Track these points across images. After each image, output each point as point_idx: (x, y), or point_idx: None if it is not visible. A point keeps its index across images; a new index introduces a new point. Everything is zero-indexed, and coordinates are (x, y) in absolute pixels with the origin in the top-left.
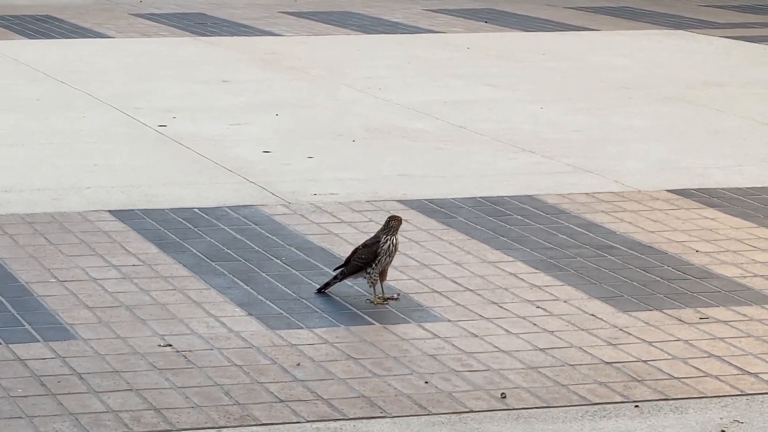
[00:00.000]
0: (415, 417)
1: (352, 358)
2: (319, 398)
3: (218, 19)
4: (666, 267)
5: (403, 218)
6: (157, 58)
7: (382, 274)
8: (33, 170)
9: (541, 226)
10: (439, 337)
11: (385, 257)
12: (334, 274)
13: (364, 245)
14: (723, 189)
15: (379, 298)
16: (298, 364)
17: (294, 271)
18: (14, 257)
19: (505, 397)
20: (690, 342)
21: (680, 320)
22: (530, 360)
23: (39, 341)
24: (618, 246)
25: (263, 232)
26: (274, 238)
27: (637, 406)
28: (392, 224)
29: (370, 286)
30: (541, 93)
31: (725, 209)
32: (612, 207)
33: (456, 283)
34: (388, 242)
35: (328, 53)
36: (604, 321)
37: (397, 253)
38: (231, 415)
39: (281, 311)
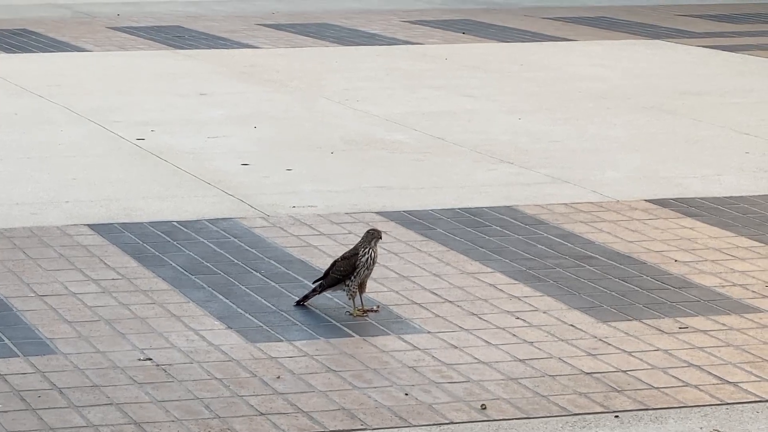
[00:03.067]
0: (396, 429)
1: (332, 370)
2: (300, 411)
3: (196, 32)
4: (645, 277)
5: (382, 230)
6: (135, 71)
7: (362, 286)
8: (11, 184)
9: (520, 237)
10: (419, 349)
11: (363, 270)
12: (313, 286)
13: (343, 258)
14: (701, 198)
15: (358, 310)
16: (278, 377)
17: (273, 284)
18: None
19: (485, 408)
20: (670, 352)
21: (660, 330)
22: (510, 371)
23: (18, 356)
24: (597, 256)
25: (242, 245)
26: (253, 250)
27: (617, 416)
28: (370, 236)
29: (350, 299)
30: (520, 104)
31: (704, 219)
32: (591, 217)
33: (435, 294)
34: (367, 255)
35: (306, 65)
36: (584, 331)
37: (377, 264)
38: (211, 429)
39: (261, 324)
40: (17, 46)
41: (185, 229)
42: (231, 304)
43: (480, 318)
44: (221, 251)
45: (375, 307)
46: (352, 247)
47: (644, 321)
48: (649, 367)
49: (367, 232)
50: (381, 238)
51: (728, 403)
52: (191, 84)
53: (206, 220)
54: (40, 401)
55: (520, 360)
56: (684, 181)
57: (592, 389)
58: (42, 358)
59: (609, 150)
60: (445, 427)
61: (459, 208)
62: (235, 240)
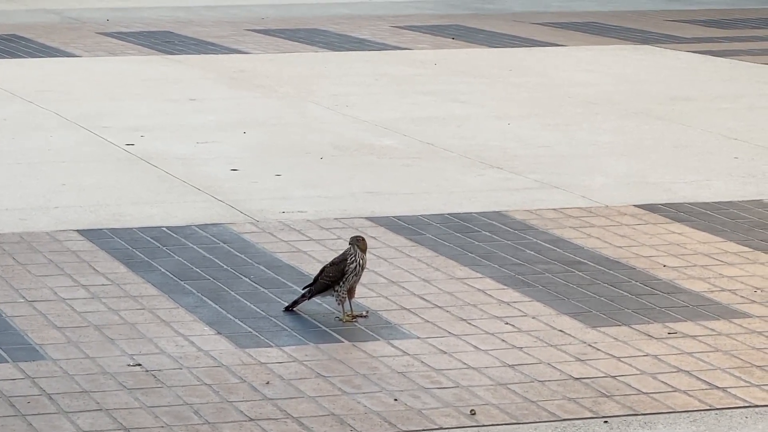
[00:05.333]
0: None
1: (321, 375)
2: (289, 416)
3: (185, 38)
4: (634, 282)
5: (371, 236)
6: (124, 76)
7: (351, 292)
8: (0, 190)
9: (509, 242)
10: (408, 354)
11: (352, 275)
12: (303, 292)
13: (332, 263)
14: (690, 204)
15: (347, 315)
16: (268, 383)
17: (263, 290)
18: None
19: (474, 413)
20: (658, 357)
21: (648, 335)
22: (499, 376)
23: (8, 362)
24: (586, 261)
25: (232, 250)
26: (242, 256)
27: (606, 421)
28: (352, 244)
29: (339, 304)
30: (509, 109)
31: (693, 224)
32: (580, 222)
33: (424, 299)
34: (356, 260)
35: (295, 71)
36: (573, 337)
37: (366, 270)
38: None
39: (250, 329)
40: (7, 52)
41: (174, 235)
42: (220, 309)
43: (469, 323)
44: (211, 257)
45: (364, 313)
46: (341, 252)
47: (633, 326)
48: (638, 372)
49: (351, 239)
50: (363, 249)
51: (717, 409)
52: (181, 89)
53: (195, 226)
54: (30, 407)
55: (510, 365)
56: (673, 187)
57: (581, 395)
58: (31, 363)
59: (598, 155)
60: None
61: (448, 214)
62: (225, 245)
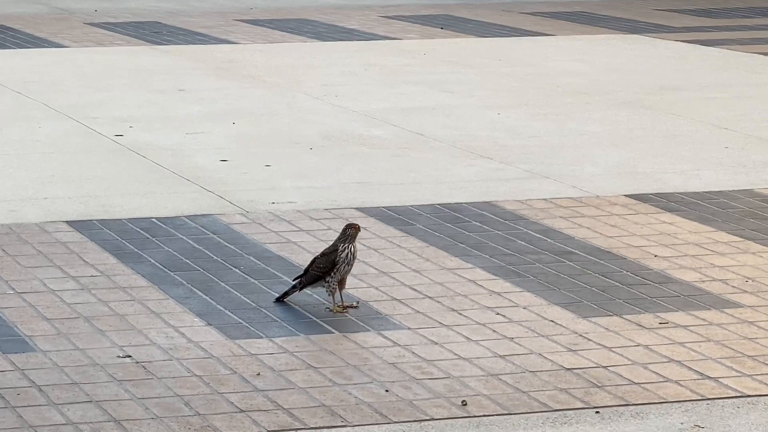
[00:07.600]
0: (376, 425)
1: (312, 367)
2: (280, 408)
3: (174, 28)
4: (625, 272)
5: (361, 226)
6: (112, 67)
7: (341, 283)
8: None
9: (500, 233)
10: (399, 345)
11: (343, 266)
12: (293, 283)
13: (323, 254)
14: (681, 193)
15: (338, 306)
16: (258, 374)
17: (253, 281)
18: None
19: (465, 404)
20: (650, 347)
21: (640, 325)
22: (490, 367)
23: None
24: (577, 251)
25: (221, 241)
26: (232, 247)
27: (597, 412)
28: (349, 232)
29: (329, 295)
30: (498, 99)
31: (683, 214)
32: (570, 212)
33: (415, 290)
34: (346, 251)
35: (284, 61)
36: (564, 327)
37: (356, 261)
38: (191, 426)
39: (240, 321)
40: None
41: (164, 226)
42: (210, 300)
43: (460, 314)
44: (200, 248)
45: (355, 304)
46: (331, 243)
47: (624, 316)
48: (630, 362)
49: (346, 227)
50: (359, 230)
51: (709, 399)
52: (169, 80)
53: (185, 217)
54: (19, 399)
55: (501, 356)
56: (663, 176)
57: (572, 385)
58: (21, 355)
59: (588, 145)
60: (426, 423)
61: (438, 204)
62: (214, 236)
